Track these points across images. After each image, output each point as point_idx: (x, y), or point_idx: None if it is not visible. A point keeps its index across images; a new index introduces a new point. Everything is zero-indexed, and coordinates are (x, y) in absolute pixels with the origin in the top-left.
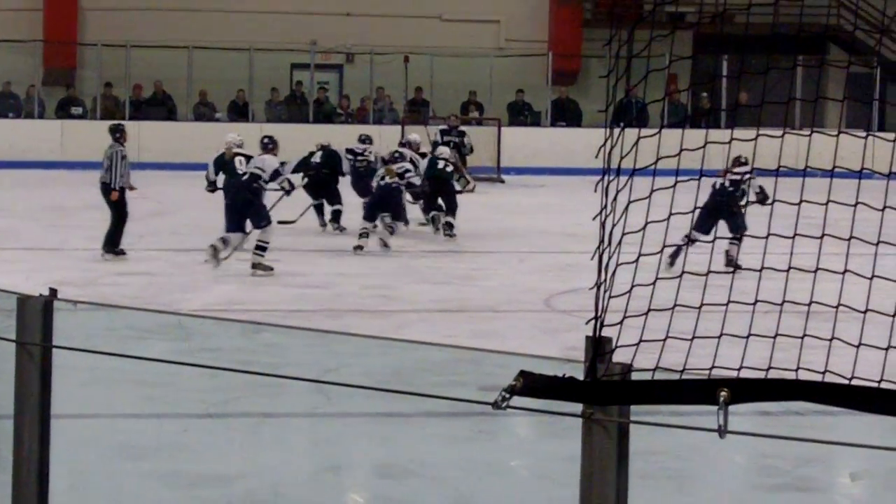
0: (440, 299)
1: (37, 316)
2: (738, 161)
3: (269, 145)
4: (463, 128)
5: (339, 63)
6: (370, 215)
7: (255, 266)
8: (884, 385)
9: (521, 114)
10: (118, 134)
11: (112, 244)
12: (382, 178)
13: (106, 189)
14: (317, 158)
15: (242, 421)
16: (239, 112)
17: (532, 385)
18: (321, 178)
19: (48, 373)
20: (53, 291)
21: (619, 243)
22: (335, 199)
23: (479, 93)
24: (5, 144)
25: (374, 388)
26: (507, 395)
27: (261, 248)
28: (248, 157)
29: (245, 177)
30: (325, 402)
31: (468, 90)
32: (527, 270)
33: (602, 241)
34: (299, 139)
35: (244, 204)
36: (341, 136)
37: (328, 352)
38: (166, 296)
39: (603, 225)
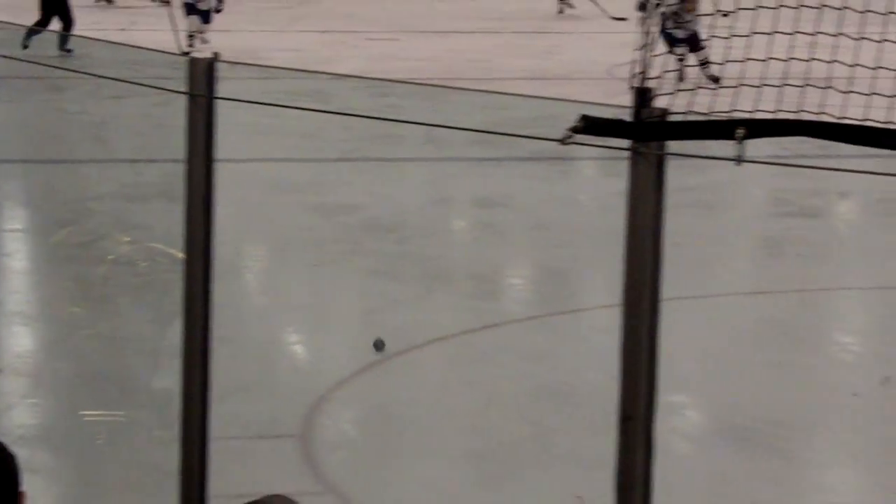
0: (529, 69)
1: (202, 74)
2: None
3: None
4: None
5: None
6: None
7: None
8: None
9: None
10: None
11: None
12: None
13: None
14: None
15: (369, 164)
16: None
17: (591, 125)
18: None
19: (212, 121)
20: (216, 55)
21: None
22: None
23: None
24: None
25: (474, 130)
26: (571, 134)
27: None
28: None
29: None
30: (434, 150)
31: None
32: (591, 46)
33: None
34: None
35: None
36: None
37: (438, 110)
38: (312, 66)
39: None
